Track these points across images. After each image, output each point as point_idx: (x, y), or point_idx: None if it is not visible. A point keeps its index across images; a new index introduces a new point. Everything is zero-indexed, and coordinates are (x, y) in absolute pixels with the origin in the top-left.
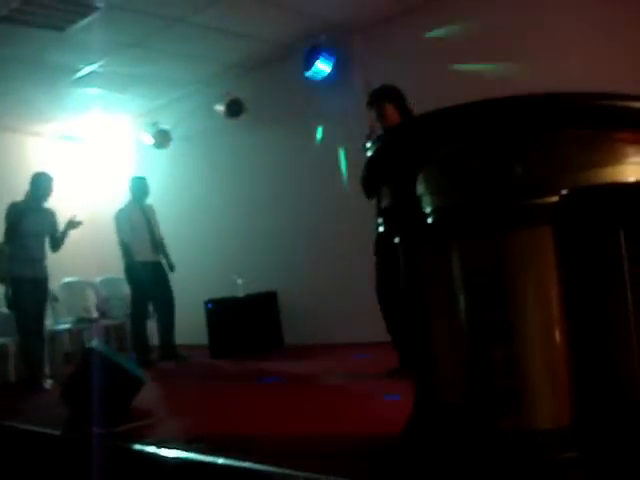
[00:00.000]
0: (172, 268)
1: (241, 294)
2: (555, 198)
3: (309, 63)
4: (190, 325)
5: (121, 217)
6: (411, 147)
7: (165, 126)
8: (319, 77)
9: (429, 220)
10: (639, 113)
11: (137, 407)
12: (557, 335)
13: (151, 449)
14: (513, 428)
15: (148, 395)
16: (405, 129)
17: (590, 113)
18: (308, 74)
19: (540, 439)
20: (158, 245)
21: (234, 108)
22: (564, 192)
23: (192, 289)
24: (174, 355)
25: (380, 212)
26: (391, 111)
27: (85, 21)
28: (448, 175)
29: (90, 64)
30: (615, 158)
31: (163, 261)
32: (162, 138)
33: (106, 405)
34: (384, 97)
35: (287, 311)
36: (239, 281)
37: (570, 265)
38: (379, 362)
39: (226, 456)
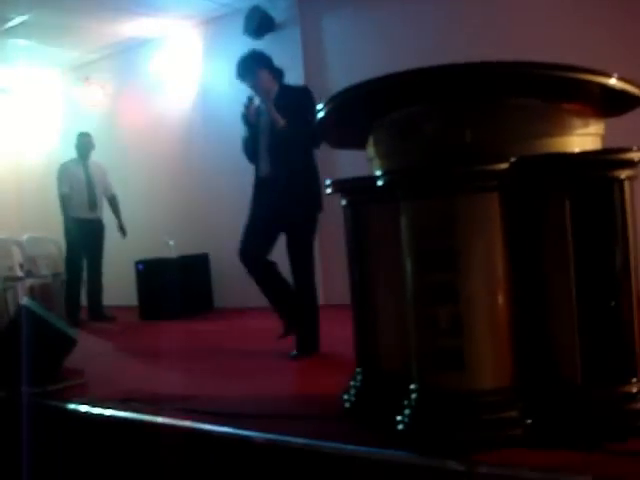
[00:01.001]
0: (123, 231)
1: (173, 255)
2: (504, 165)
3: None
4: (120, 286)
5: (61, 171)
6: (362, 110)
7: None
8: None
9: (379, 183)
10: (586, 85)
11: (68, 367)
12: (500, 298)
13: (84, 408)
14: (455, 388)
15: (77, 356)
16: (356, 92)
17: (537, 83)
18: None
19: (481, 398)
20: (96, 203)
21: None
22: (512, 160)
23: (123, 250)
24: (102, 315)
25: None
26: (266, 76)
27: None
28: (399, 139)
29: (21, 14)
30: (562, 129)
31: (102, 220)
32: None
33: (37, 364)
34: (255, 64)
35: (218, 274)
36: (171, 242)
37: (516, 231)
38: None
39: (164, 415)
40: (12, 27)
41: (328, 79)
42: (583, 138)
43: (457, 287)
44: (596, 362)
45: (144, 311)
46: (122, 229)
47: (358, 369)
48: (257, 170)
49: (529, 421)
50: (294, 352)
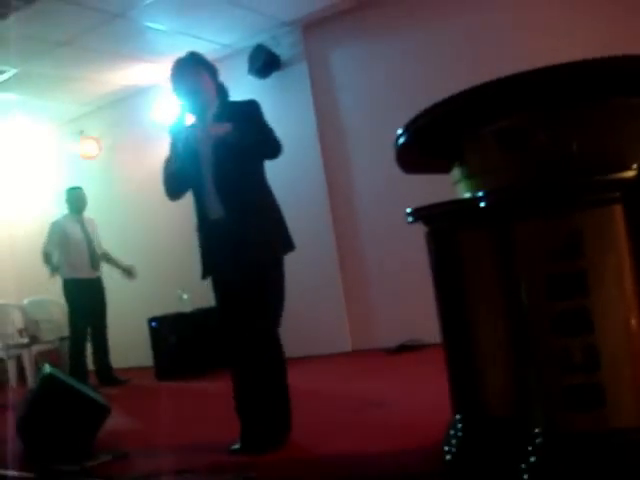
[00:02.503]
0: (130, 272)
1: (187, 309)
2: (629, 173)
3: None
4: (134, 346)
5: (53, 229)
6: (454, 125)
7: (93, 134)
8: None
9: (481, 204)
10: None
11: (101, 439)
12: (635, 321)
13: None
14: (594, 428)
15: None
16: (449, 106)
17: None
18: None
19: (626, 437)
20: (97, 261)
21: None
22: (635, 167)
23: (135, 307)
24: (113, 379)
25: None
26: (210, 83)
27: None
28: (503, 153)
29: (12, 67)
30: None
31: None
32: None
33: (71, 438)
34: (201, 64)
35: None
36: (185, 296)
37: None
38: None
39: None
40: (3, 81)
41: (340, 115)
42: None
43: (590, 314)
44: None
45: (160, 371)
46: (128, 270)
47: (457, 416)
48: (203, 212)
49: None
50: (236, 446)
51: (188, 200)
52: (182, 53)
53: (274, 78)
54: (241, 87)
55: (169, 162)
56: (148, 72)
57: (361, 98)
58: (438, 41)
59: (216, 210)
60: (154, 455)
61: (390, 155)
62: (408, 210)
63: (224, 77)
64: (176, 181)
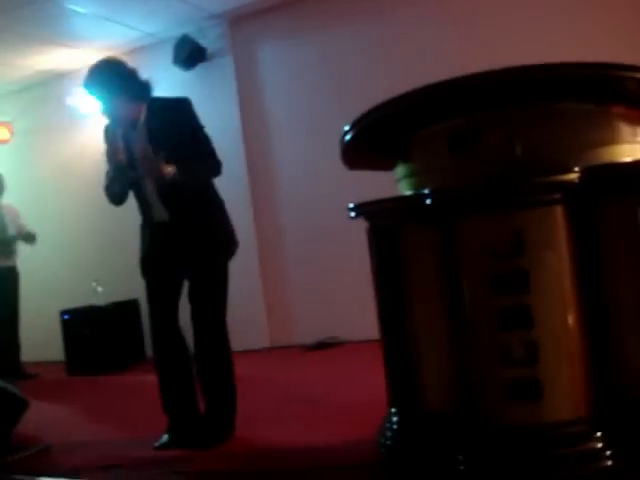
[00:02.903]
0: (30, 237)
1: (101, 303)
2: (571, 176)
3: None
4: (44, 339)
5: None
6: (400, 125)
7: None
8: None
9: (427, 201)
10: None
11: (19, 433)
12: (573, 319)
13: None
14: (531, 420)
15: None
16: (396, 106)
17: (586, 83)
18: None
19: (560, 430)
20: (9, 249)
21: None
22: (576, 169)
23: (47, 299)
24: (20, 374)
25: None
26: (120, 104)
27: None
28: (449, 153)
29: None
30: (612, 136)
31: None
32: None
33: None
34: (111, 91)
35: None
36: (99, 289)
37: (583, 246)
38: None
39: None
40: None
41: (263, 108)
42: (633, 146)
43: (530, 311)
44: None
45: (72, 366)
46: (28, 236)
47: (393, 409)
48: (147, 214)
49: (610, 452)
50: (164, 440)
51: (93, 197)
52: (105, 39)
53: (199, 70)
54: (166, 77)
55: (110, 169)
56: (67, 57)
57: (286, 93)
58: (363, 41)
59: (160, 214)
60: (77, 449)
61: (313, 150)
62: (351, 205)
63: (148, 66)
64: (112, 189)
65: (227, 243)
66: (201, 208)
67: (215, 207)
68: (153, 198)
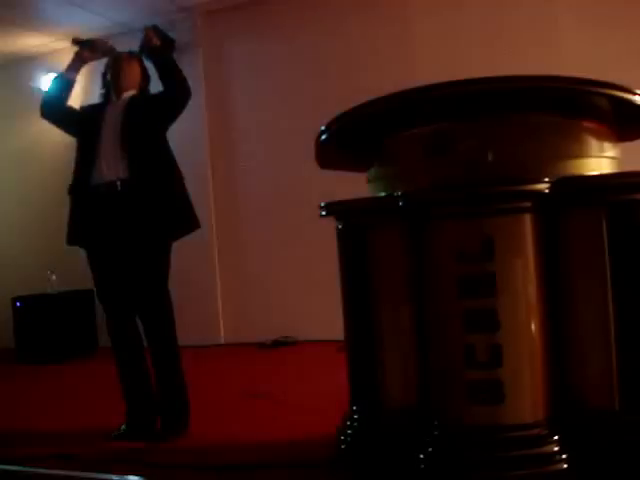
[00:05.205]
0: None
1: (54, 291)
2: (541, 186)
3: None
4: None
5: None
6: (376, 127)
7: None
8: None
9: (400, 203)
10: (606, 100)
11: None
12: (536, 324)
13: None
14: (492, 422)
15: None
16: (372, 109)
17: (557, 96)
18: None
19: (521, 432)
20: None
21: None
22: (547, 180)
23: None
24: None
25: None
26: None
27: None
28: (423, 158)
29: None
30: (580, 149)
31: None
32: None
33: None
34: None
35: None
36: (53, 277)
37: (549, 253)
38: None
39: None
40: None
41: (230, 102)
42: (600, 160)
43: (496, 314)
44: (635, 387)
45: (22, 354)
46: None
47: (355, 407)
48: (87, 174)
49: (566, 455)
50: (122, 429)
51: (65, 172)
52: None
53: None
54: None
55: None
56: (32, 41)
57: (253, 88)
58: (332, 39)
59: (112, 172)
60: (32, 438)
61: (278, 147)
62: (322, 204)
63: None
64: (55, 99)
65: (189, 219)
66: (164, 171)
67: (178, 176)
68: (108, 152)
